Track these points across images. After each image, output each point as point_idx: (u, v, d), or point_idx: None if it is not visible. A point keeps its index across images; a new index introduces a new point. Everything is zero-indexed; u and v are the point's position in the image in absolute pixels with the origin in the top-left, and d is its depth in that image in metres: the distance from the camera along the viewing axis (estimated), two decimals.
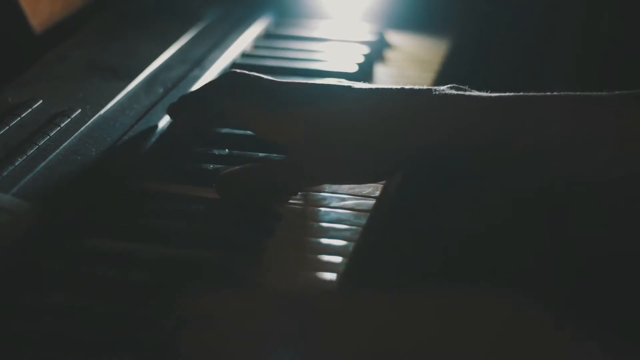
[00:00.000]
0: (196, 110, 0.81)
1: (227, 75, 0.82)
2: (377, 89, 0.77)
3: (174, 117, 0.82)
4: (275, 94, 0.78)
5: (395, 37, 1.12)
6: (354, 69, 1.00)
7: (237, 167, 0.76)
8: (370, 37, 1.08)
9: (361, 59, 1.03)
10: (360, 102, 0.76)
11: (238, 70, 0.82)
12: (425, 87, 0.76)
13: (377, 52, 1.07)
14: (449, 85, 0.76)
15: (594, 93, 0.73)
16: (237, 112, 0.79)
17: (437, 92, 0.75)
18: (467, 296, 0.51)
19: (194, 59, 0.98)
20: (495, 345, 0.49)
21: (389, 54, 1.09)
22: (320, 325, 0.51)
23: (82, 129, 0.82)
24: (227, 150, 0.83)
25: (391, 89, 0.76)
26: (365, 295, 0.53)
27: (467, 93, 0.75)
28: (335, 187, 0.79)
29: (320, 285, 0.67)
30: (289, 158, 0.76)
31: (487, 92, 0.75)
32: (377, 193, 0.79)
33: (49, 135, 0.80)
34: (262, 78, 0.81)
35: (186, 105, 0.82)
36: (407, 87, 0.76)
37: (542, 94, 0.74)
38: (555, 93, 0.74)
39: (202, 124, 0.83)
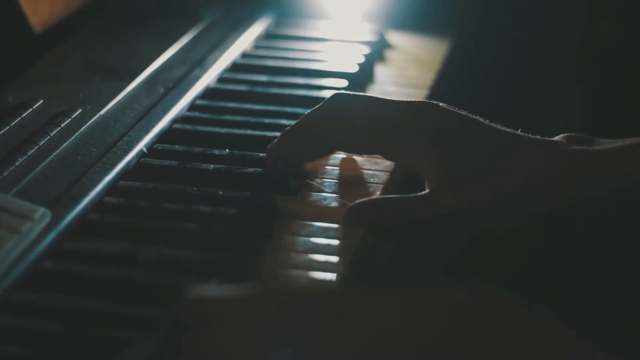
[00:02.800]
0: (303, 146, 0.79)
1: (334, 98, 0.79)
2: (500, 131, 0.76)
3: (278, 157, 0.79)
4: (391, 116, 0.77)
5: (395, 37, 1.12)
6: (354, 69, 1.00)
7: (368, 199, 0.76)
8: (371, 37, 1.08)
9: (361, 59, 1.03)
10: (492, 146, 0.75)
11: (344, 92, 0.80)
12: (551, 139, 0.75)
13: (378, 52, 1.07)
14: (565, 135, 0.75)
15: None
16: (358, 138, 0.77)
17: (565, 148, 0.74)
18: (467, 296, 0.51)
19: (195, 59, 0.99)
20: (496, 346, 0.49)
21: (389, 54, 1.09)
22: (320, 325, 0.51)
23: (82, 129, 0.82)
24: (227, 150, 0.83)
25: (513, 135, 0.75)
26: (366, 294, 0.53)
27: (595, 147, 0.74)
28: (335, 187, 0.79)
29: (321, 285, 0.67)
30: (428, 193, 0.75)
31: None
32: (378, 193, 0.79)
33: (49, 135, 0.80)
34: (372, 97, 0.79)
35: (292, 142, 0.79)
36: (532, 137, 0.75)
37: None
38: None
39: (310, 158, 0.81)
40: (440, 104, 0.77)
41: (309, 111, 0.79)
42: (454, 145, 0.75)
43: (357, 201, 0.76)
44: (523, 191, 0.73)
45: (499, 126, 0.76)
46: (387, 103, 0.78)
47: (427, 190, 0.75)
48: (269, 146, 0.80)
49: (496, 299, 0.51)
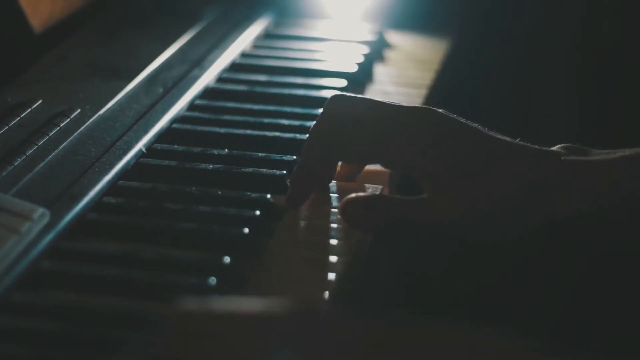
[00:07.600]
0: (321, 162, 0.77)
1: (333, 101, 0.77)
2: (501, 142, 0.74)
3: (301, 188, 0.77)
4: (390, 120, 0.75)
5: (395, 37, 1.12)
6: (353, 68, 1.00)
7: (368, 195, 0.75)
8: (370, 37, 1.08)
9: (361, 59, 1.03)
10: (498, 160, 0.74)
11: (342, 94, 0.78)
12: (550, 149, 0.74)
13: (377, 51, 1.07)
14: (563, 145, 0.74)
15: None
16: (357, 144, 0.75)
17: (565, 159, 0.73)
18: (452, 330, 0.51)
19: (194, 59, 0.99)
20: None
21: (388, 54, 1.09)
22: (319, 331, 0.51)
23: (81, 129, 0.82)
24: (226, 150, 0.83)
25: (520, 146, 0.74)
26: (361, 313, 0.53)
27: (595, 158, 0.73)
28: (335, 187, 0.79)
29: (320, 286, 0.67)
30: (424, 197, 0.74)
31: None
32: (378, 193, 0.79)
33: (48, 135, 0.80)
34: (370, 101, 0.77)
35: (310, 161, 0.77)
36: (530, 147, 0.74)
37: None
38: None
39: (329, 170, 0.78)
40: (439, 110, 0.76)
41: (312, 125, 0.78)
42: (452, 152, 0.74)
43: (351, 196, 0.75)
44: (521, 201, 0.73)
45: (498, 135, 0.75)
46: (385, 107, 0.76)
47: (423, 195, 0.74)
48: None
49: (483, 333, 0.51)
